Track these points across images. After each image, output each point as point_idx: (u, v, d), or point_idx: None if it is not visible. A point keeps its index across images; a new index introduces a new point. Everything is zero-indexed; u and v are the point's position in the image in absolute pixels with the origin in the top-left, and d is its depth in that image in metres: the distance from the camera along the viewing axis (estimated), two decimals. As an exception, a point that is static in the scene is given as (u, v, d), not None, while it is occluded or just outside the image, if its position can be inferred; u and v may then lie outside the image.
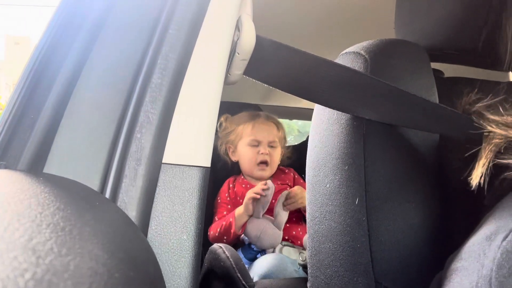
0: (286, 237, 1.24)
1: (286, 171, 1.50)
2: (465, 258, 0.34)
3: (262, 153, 1.38)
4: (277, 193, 1.32)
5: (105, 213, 0.30)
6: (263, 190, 1.17)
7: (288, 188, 1.37)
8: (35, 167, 0.36)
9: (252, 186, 1.33)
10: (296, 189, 1.28)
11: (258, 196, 1.17)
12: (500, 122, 0.42)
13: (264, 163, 1.38)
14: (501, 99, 0.47)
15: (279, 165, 1.48)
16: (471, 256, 0.33)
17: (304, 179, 1.44)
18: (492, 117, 0.44)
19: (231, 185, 1.41)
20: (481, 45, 0.54)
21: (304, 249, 1.20)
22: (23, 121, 0.38)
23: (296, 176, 1.49)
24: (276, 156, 1.42)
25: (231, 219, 1.21)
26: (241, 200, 1.29)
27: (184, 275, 0.38)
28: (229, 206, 1.34)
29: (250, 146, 1.39)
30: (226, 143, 1.45)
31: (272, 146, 1.41)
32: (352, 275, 0.51)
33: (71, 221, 0.21)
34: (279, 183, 1.41)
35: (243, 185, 1.40)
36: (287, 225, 1.27)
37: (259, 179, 1.38)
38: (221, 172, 1.50)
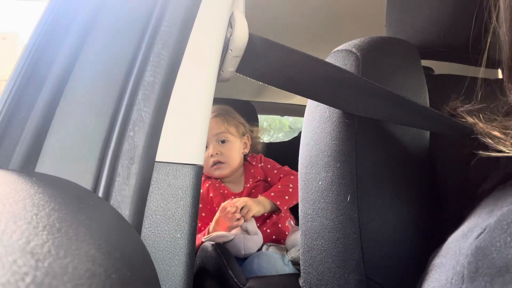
0: (274, 237, 1.23)
1: (254, 162, 1.39)
2: (444, 255, 0.35)
3: (211, 155, 1.28)
4: (255, 193, 1.28)
5: (99, 213, 0.30)
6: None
7: (261, 185, 1.31)
8: (26, 167, 0.36)
9: (230, 192, 1.30)
10: (245, 200, 1.18)
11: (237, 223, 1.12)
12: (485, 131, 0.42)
13: (217, 163, 1.30)
14: (483, 106, 0.48)
15: (247, 154, 1.39)
16: (449, 253, 0.34)
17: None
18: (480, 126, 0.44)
19: (205, 191, 1.33)
20: (470, 42, 0.55)
21: (287, 250, 1.19)
22: (14, 120, 0.37)
23: (263, 165, 1.38)
24: (232, 152, 1.31)
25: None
26: (216, 208, 1.23)
27: (178, 274, 0.38)
28: (203, 214, 1.28)
29: None
30: None
31: (223, 141, 1.30)
32: (344, 271, 0.52)
33: (67, 222, 0.21)
34: (251, 181, 1.34)
35: (221, 190, 1.32)
36: (274, 216, 1.24)
37: (219, 177, 1.33)
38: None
